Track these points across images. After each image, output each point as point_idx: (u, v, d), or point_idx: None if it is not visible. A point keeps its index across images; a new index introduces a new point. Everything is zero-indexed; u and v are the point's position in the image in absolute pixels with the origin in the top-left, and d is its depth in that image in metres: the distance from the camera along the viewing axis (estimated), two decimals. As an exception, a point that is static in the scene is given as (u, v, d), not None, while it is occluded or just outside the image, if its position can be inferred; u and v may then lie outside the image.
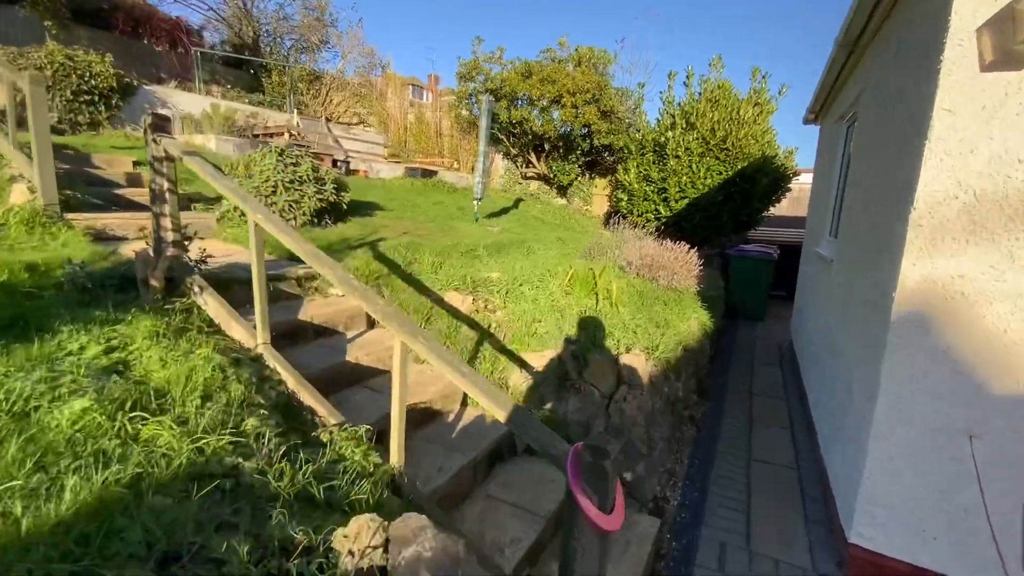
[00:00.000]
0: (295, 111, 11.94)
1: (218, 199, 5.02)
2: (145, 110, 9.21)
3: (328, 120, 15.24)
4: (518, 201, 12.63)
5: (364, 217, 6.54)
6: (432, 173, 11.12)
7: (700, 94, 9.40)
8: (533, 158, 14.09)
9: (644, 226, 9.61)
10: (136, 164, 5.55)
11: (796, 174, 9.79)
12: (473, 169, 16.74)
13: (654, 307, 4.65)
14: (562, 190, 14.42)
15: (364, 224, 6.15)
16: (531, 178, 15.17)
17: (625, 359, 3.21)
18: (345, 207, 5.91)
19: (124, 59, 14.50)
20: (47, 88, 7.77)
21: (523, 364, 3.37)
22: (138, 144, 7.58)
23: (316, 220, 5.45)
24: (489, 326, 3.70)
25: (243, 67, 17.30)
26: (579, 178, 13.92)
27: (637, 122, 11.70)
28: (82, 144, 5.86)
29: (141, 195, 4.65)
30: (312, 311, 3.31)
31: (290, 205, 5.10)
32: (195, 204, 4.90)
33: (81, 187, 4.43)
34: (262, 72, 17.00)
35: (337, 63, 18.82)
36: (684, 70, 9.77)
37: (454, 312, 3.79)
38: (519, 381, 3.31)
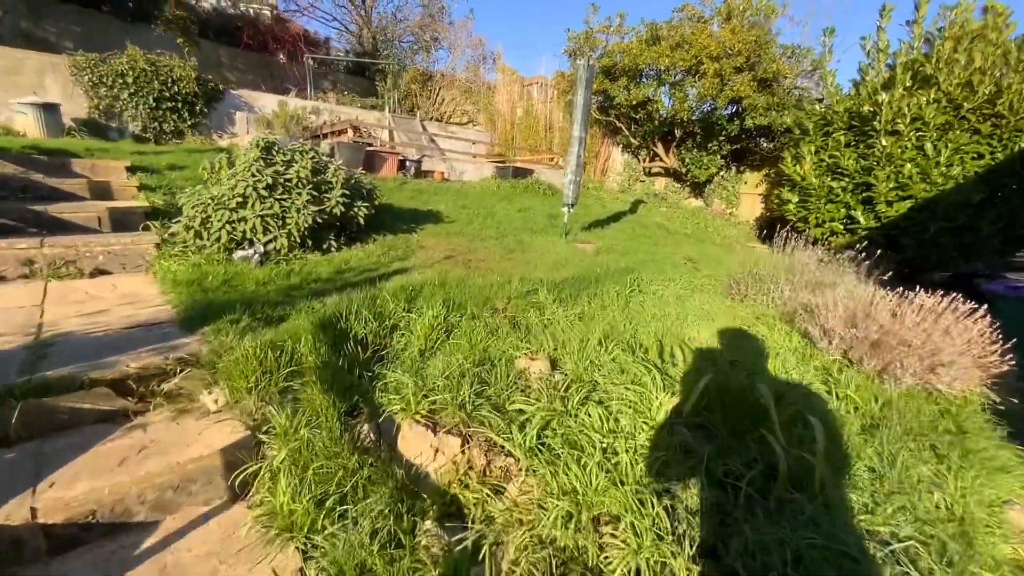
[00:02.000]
0: (387, 109, 10.95)
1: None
2: (231, 115, 8.83)
3: (430, 118, 14.27)
4: (637, 204, 9.99)
5: (400, 234, 4.77)
6: (527, 172, 9.13)
7: (941, 30, 5.82)
8: (660, 149, 11.25)
9: (827, 240, 6.36)
10: (131, 170, 4.51)
11: None
12: (585, 164, 14.40)
13: (908, 470, 1.95)
14: (697, 188, 11.31)
15: (391, 245, 4.37)
16: (656, 174, 12.30)
17: None
18: (362, 221, 4.17)
19: (255, 73, 15.25)
20: (130, 95, 7.63)
21: None
22: (201, 148, 6.93)
23: (311, 241, 3.79)
24: (479, 543, 1.50)
25: (365, 73, 17.41)
26: (721, 172, 10.69)
27: (820, 90, 8.19)
28: (100, 149, 5.11)
29: (84, 213, 3.43)
30: (92, 471, 1.48)
31: (266, 223, 3.49)
32: (152, 222, 3.56)
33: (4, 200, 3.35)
34: (377, 76, 16.89)
35: (447, 60, 17.99)
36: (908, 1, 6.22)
37: (405, 486, 1.66)
38: None
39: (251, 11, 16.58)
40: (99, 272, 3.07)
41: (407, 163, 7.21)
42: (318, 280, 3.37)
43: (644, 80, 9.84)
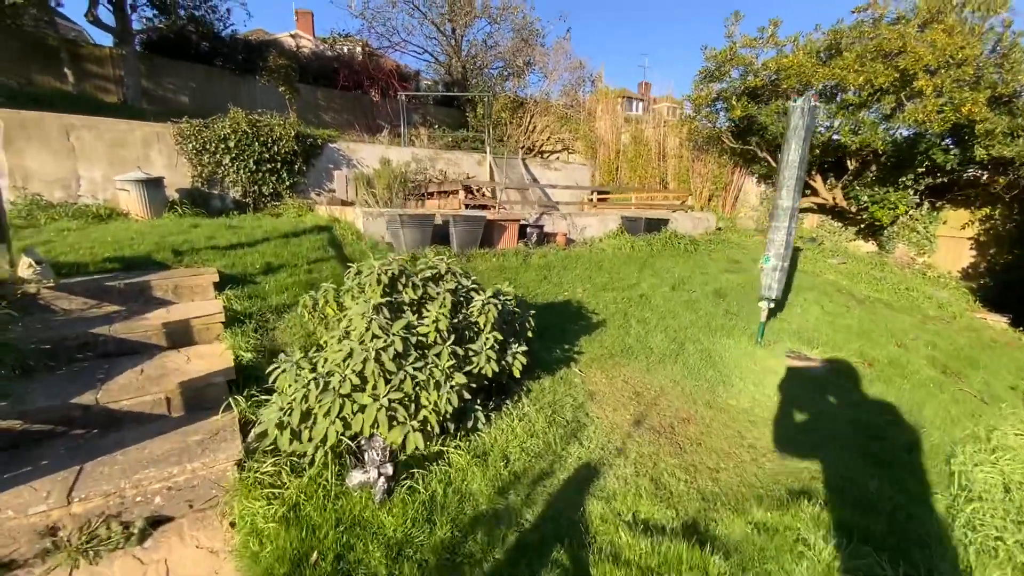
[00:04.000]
0: (487, 150, 9.86)
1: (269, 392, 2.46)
2: (328, 171, 8.14)
3: (529, 154, 13.11)
4: (795, 252, 7.91)
5: (555, 367, 3.37)
6: (659, 224, 7.48)
7: None
8: (817, 182, 9.05)
9: None
10: (219, 286, 3.54)
11: None
12: (710, 199, 12.25)
13: None
14: (872, 230, 8.93)
15: (552, 401, 2.97)
16: (806, 210, 10.04)
17: None
18: (517, 373, 2.81)
19: (349, 112, 15.11)
20: (231, 160, 7.13)
21: None
22: (298, 228, 6.17)
23: (456, 422, 2.50)
24: None
25: (454, 104, 16.82)
26: (910, 212, 8.28)
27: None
28: (191, 248, 4.28)
29: (149, 395, 2.38)
30: None
31: (391, 413, 2.23)
32: (236, 397, 2.44)
33: (41, 370, 2.39)
34: (467, 107, 16.16)
35: (542, 85, 16.84)
36: None
37: None
38: None
39: (345, 50, 16.60)
40: (154, 522, 1.95)
41: (528, 229, 5.94)
42: (476, 520, 2.04)
43: (809, 101, 7.79)
